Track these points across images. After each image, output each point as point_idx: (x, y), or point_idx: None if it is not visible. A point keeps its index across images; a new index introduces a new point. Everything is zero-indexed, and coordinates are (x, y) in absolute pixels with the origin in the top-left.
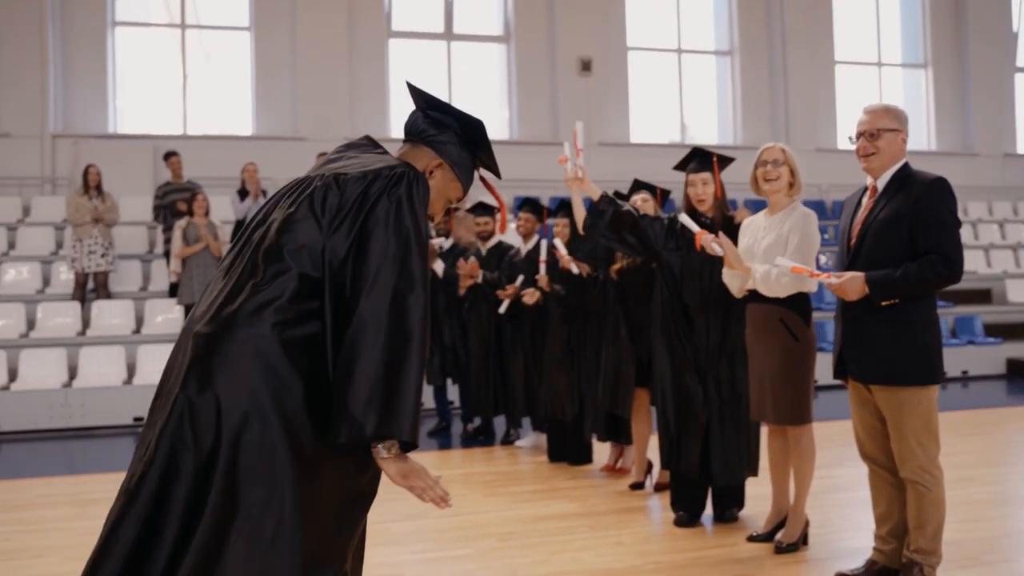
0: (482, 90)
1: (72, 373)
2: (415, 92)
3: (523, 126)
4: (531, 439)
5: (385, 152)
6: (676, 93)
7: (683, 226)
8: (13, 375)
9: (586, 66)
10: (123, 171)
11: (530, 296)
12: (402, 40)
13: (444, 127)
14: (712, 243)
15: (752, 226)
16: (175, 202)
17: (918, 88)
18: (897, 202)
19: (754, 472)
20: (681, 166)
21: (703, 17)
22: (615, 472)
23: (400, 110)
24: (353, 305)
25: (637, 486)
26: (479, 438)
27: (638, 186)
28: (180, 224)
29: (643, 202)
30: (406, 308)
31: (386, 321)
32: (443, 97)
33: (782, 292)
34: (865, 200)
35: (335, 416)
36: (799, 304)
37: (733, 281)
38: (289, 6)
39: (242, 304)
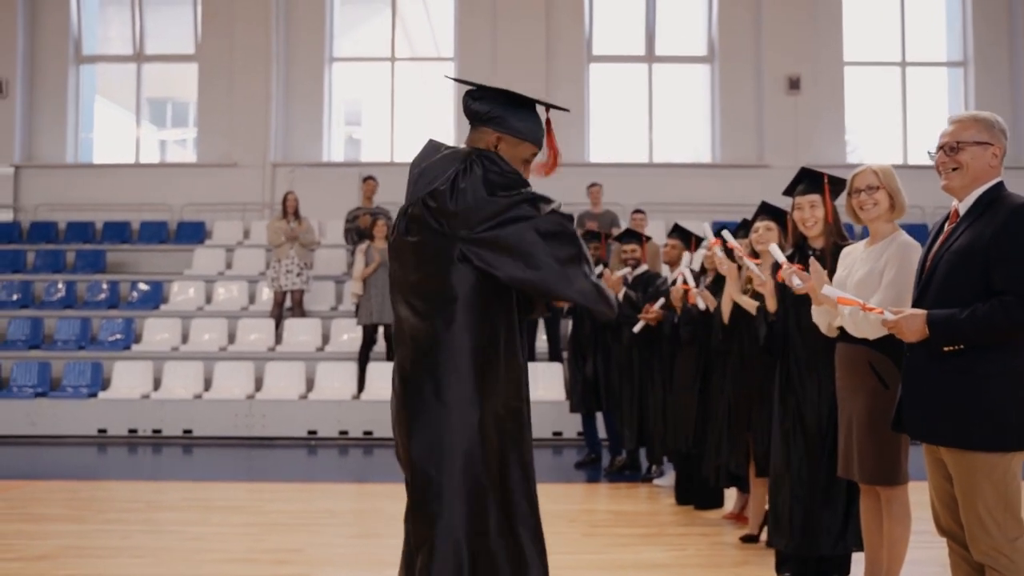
0: (684, 112)
1: (258, 385)
2: (460, 82)
3: (726, 149)
4: (671, 477)
5: (448, 149)
6: (899, 110)
7: (775, 262)
8: (208, 385)
9: (794, 84)
10: (332, 197)
11: (653, 315)
12: (603, 64)
13: (491, 104)
14: (792, 276)
15: (850, 256)
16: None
17: None
18: (977, 229)
19: (858, 545)
20: (789, 190)
21: (932, 25)
22: (739, 520)
23: (600, 134)
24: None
25: (750, 539)
26: (625, 473)
27: (764, 210)
28: (361, 248)
29: (767, 230)
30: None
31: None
32: (644, 120)
33: (871, 332)
34: (946, 226)
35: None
36: (892, 346)
37: (822, 318)
38: (490, 35)
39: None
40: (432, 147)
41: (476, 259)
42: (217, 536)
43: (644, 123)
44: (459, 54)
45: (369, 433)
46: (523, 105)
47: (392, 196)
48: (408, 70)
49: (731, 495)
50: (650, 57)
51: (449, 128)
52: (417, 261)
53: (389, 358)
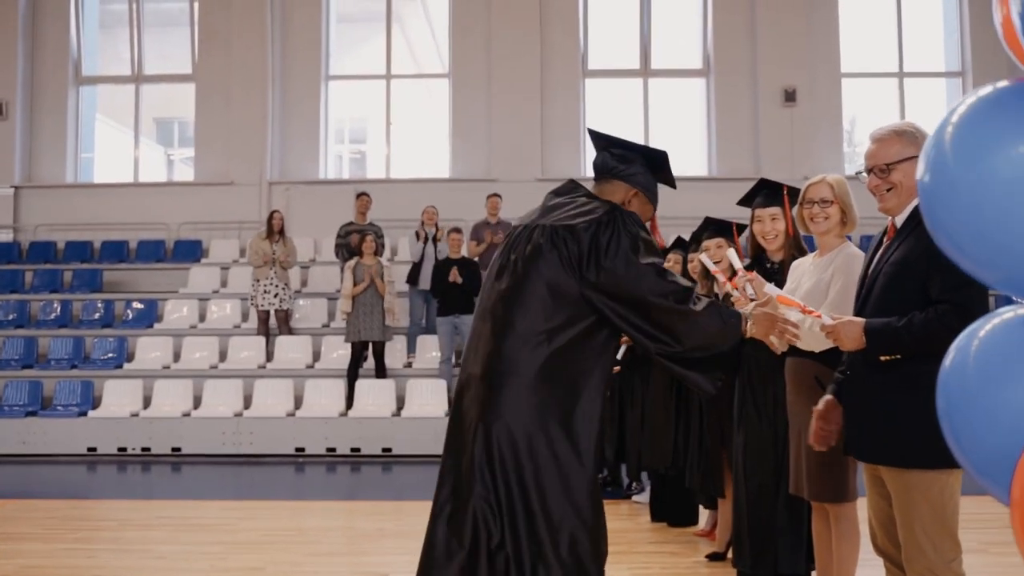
0: (680, 126)
1: (247, 403)
2: (597, 135)
3: (722, 162)
4: (648, 494)
5: (587, 195)
6: (896, 120)
7: (730, 265)
8: (198, 403)
9: (790, 96)
10: (329, 214)
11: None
12: (597, 79)
13: (630, 161)
14: (745, 282)
15: (799, 269)
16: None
17: None
18: (913, 240)
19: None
20: (747, 200)
21: (929, 36)
22: (710, 537)
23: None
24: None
25: (715, 557)
26: (607, 489)
27: (710, 225)
28: (349, 264)
29: (718, 248)
30: (677, 300)
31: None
32: (640, 134)
33: (816, 345)
34: (884, 240)
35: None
36: (839, 360)
37: None
38: (484, 51)
39: (503, 343)
40: (572, 185)
41: (601, 306)
42: (182, 554)
43: (640, 137)
44: (453, 70)
45: (356, 450)
46: (659, 167)
47: (388, 213)
48: (409, 87)
49: (704, 511)
50: (645, 71)
51: (444, 146)
52: (523, 281)
53: (378, 375)
